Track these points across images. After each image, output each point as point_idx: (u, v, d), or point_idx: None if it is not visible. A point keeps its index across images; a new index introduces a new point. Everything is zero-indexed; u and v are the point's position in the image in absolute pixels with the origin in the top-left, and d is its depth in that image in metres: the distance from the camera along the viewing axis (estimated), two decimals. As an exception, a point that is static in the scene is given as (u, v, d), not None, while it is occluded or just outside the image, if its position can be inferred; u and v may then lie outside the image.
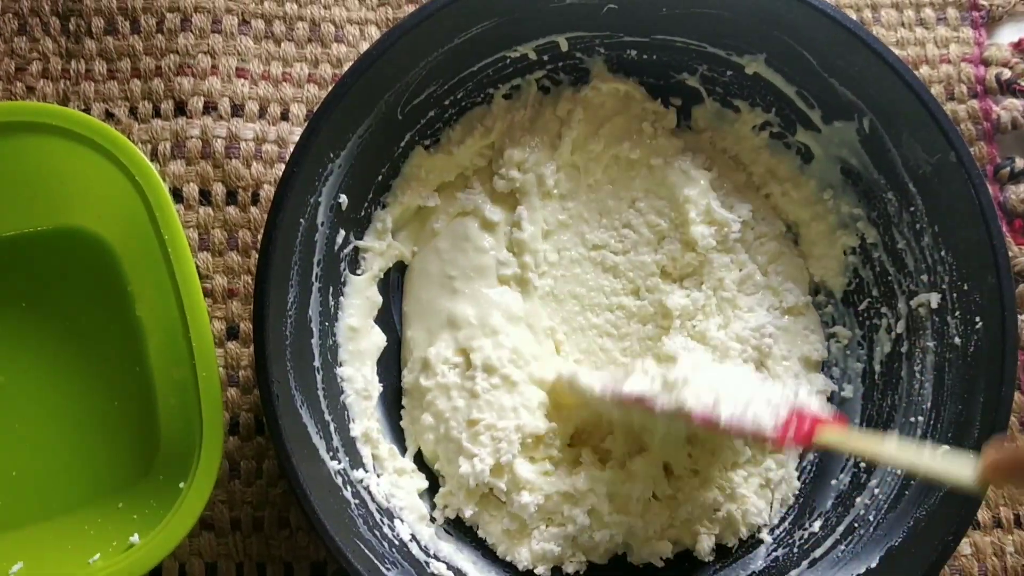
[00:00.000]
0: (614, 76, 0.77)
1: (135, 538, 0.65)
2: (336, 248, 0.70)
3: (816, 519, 0.73)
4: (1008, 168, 0.82)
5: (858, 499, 0.71)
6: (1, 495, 0.71)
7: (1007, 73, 0.83)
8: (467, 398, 0.71)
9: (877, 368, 0.75)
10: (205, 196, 0.79)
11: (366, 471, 0.69)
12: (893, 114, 0.69)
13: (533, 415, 0.72)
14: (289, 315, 0.65)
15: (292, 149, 0.65)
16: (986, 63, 0.84)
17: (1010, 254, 0.79)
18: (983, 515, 0.77)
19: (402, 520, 0.69)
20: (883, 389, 0.74)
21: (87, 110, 0.79)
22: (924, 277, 0.71)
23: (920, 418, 0.70)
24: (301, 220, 0.65)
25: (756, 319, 0.76)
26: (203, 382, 0.66)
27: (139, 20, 0.81)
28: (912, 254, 0.72)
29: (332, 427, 0.68)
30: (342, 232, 0.71)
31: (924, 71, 0.84)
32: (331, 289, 0.70)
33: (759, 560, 0.73)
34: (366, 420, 0.72)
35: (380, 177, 0.73)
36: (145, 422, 0.72)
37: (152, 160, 0.78)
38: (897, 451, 0.61)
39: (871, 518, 0.69)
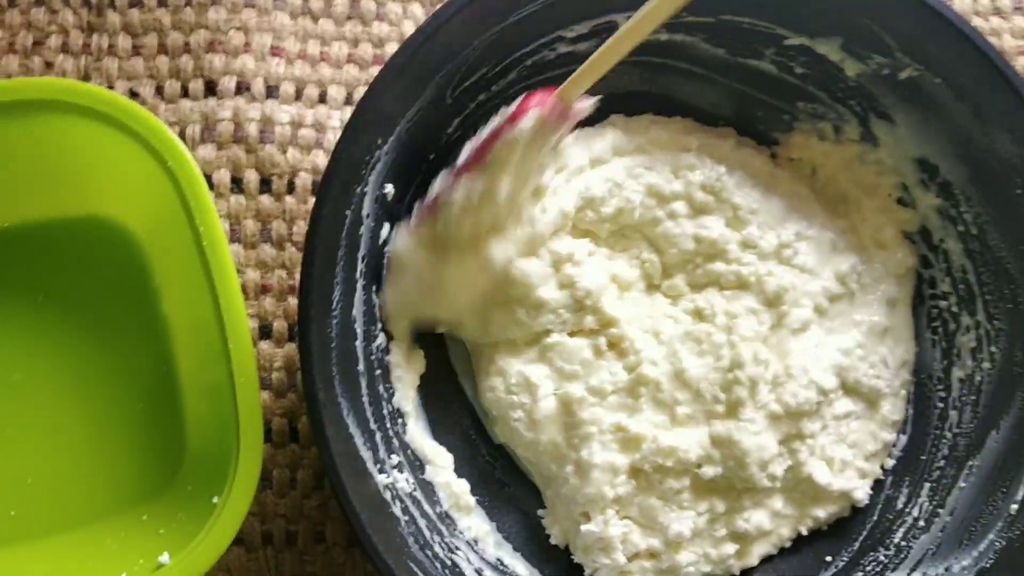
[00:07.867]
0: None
1: (165, 557, 0.60)
2: (380, 243, 0.65)
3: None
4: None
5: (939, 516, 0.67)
6: (15, 503, 0.66)
7: (1090, 64, 0.78)
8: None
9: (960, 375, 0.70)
10: (237, 183, 0.73)
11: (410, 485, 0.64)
12: (982, 105, 0.64)
13: None
14: (334, 315, 0.59)
15: (336, 133, 0.60)
16: (1067, 54, 0.79)
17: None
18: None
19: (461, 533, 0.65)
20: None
21: (110, 88, 0.74)
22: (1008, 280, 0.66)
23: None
24: (347, 212, 0.60)
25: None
26: (240, 387, 0.60)
27: (166, -8, 0.75)
28: (994, 255, 0.67)
29: (378, 436, 0.63)
30: (386, 226, 0.65)
31: (1001, 62, 0.78)
32: (375, 288, 0.65)
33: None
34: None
35: (425, 166, 0.68)
36: (170, 427, 0.67)
37: (180, 144, 0.73)
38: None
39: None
